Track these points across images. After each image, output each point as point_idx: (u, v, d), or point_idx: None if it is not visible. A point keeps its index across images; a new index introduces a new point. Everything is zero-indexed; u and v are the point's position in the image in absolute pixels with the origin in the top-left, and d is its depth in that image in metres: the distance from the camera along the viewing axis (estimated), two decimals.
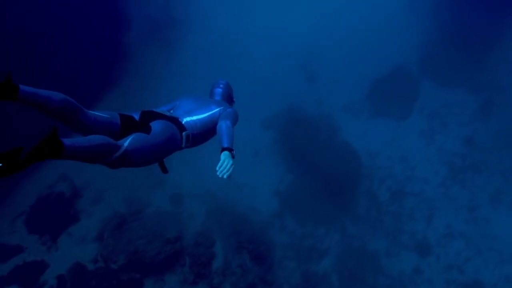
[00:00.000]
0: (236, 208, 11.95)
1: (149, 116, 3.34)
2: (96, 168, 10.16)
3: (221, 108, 3.84)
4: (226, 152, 3.20)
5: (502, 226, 11.55)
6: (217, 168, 3.07)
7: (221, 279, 10.34)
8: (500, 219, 11.68)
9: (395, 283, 10.96)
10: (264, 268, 10.62)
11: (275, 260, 11.14)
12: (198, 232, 11.27)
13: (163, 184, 12.63)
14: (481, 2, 14.59)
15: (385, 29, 15.80)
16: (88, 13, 13.90)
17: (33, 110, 2.70)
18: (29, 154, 2.15)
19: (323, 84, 15.16)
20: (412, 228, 11.80)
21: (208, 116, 3.70)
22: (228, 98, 4.42)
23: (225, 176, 3.05)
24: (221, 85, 4.44)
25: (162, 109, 3.58)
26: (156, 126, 3.20)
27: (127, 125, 3.18)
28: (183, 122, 3.49)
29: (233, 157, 3.21)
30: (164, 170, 3.70)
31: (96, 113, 3.04)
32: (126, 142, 2.87)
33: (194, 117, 3.61)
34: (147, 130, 3.13)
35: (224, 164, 3.09)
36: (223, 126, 3.50)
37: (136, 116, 3.33)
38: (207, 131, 3.68)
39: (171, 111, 3.68)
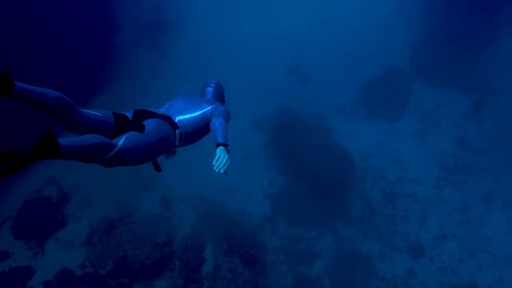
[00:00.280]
0: (227, 211, 11.77)
1: (142, 115, 3.37)
2: (85, 172, 9.99)
3: (213, 106, 3.87)
4: (221, 147, 3.26)
5: (495, 227, 11.48)
6: (214, 163, 3.11)
7: (211, 284, 10.14)
8: (493, 220, 11.62)
9: (389, 286, 10.82)
10: (255, 272, 10.43)
11: (266, 263, 10.96)
12: (188, 236, 11.06)
13: (153, 187, 12.47)
14: (472, 3, 14.58)
15: (377, 31, 15.78)
16: (78, 14, 13.74)
17: (27, 107, 2.72)
18: (25, 155, 2.17)
19: (315, 85, 15.08)
20: (405, 230, 11.68)
21: (200, 114, 3.74)
22: (220, 97, 4.47)
23: (222, 171, 3.10)
24: (212, 84, 4.50)
25: (155, 109, 3.61)
26: (150, 124, 3.25)
27: (121, 124, 3.21)
28: (175, 121, 3.53)
29: (228, 152, 3.26)
30: (158, 168, 3.71)
31: (90, 112, 3.06)
32: (121, 141, 2.90)
33: (187, 116, 3.65)
34: (141, 128, 3.17)
35: (221, 159, 3.14)
36: (217, 123, 3.55)
37: (129, 115, 3.34)
38: (199, 129, 3.73)
39: (164, 111, 3.71)
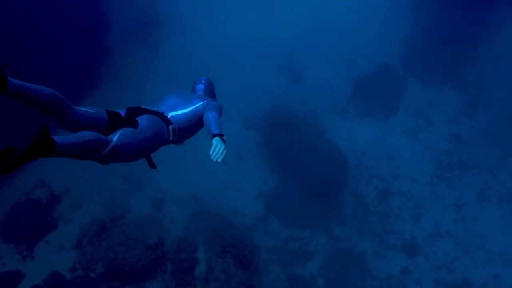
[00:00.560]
0: (220, 212, 11.62)
1: (135, 112, 3.38)
2: (76, 173, 9.79)
3: (204, 102, 3.91)
4: (217, 138, 3.28)
5: (490, 224, 11.43)
6: (210, 153, 3.14)
7: (204, 285, 9.99)
8: (488, 217, 11.58)
9: (383, 284, 10.73)
10: (249, 272, 10.29)
11: (260, 264, 10.83)
12: (180, 237, 10.91)
13: (145, 188, 12.30)
14: None
15: (369, 27, 15.65)
16: (67, 13, 13.54)
17: (22, 104, 2.71)
18: (21, 154, 2.19)
19: (307, 83, 14.93)
20: (400, 228, 11.60)
21: (192, 110, 3.78)
22: (210, 94, 4.51)
23: (219, 160, 3.12)
24: (203, 81, 4.55)
25: (147, 106, 3.62)
26: (143, 120, 3.27)
27: (114, 121, 3.22)
28: (168, 117, 3.55)
29: (224, 142, 3.28)
30: (152, 165, 3.74)
31: (83, 109, 3.07)
32: (115, 138, 2.92)
33: (179, 112, 3.68)
34: (134, 125, 3.19)
35: (217, 148, 3.16)
36: (210, 116, 3.59)
37: (122, 113, 3.34)
38: (192, 125, 3.76)
39: (156, 108, 3.71)
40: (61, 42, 13.09)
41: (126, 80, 14.70)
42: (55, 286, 10.12)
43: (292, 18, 16.82)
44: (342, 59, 15.32)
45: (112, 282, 10.12)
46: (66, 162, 10.89)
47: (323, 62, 15.30)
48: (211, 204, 11.82)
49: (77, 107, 3.02)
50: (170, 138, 3.51)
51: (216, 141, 3.25)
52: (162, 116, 3.50)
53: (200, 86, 4.50)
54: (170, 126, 3.50)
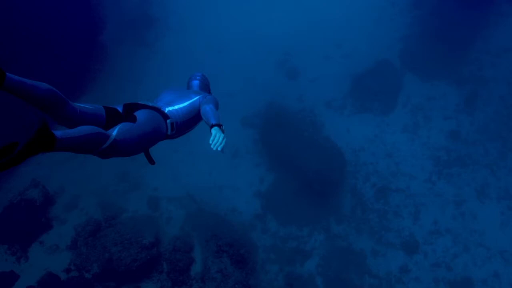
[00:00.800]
0: (216, 210, 11.50)
1: (132, 107, 3.42)
2: (71, 172, 9.64)
3: (200, 96, 3.97)
4: (216, 127, 3.31)
5: (489, 221, 11.31)
6: (210, 142, 3.17)
7: (200, 285, 9.85)
8: (487, 213, 11.44)
9: (382, 283, 10.61)
10: (246, 272, 10.15)
11: (257, 263, 10.70)
12: (176, 236, 10.76)
13: (140, 187, 12.17)
14: None
15: (367, 23, 15.52)
16: (62, 11, 13.40)
17: (19, 100, 2.71)
18: (22, 149, 2.19)
19: (304, 80, 14.78)
20: (398, 225, 11.47)
21: (189, 104, 3.83)
22: (206, 89, 4.60)
23: (219, 149, 3.15)
24: (198, 77, 4.63)
25: (144, 101, 3.66)
26: (141, 115, 3.32)
27: (112, 117, 3.24)
28: (165, 112, 3.61)
29: (223, 131, 3.32)
30: (151, 161, 3.75)
31: (81, 105, 3.09)
32: (114, 132, 2.95)
33: (176, 106, 3.73)
34: (133, 120, 3.23)
35: (216, 137, 3.19)
36: (207, 108, 3.65)
37: (120, 109, 3.37)
38: (190, 119, 3.82)
39: (153, 103, 3.75)
40: (57, 39, 12.98)
41: (123, 77, 14.58)
42: (50, 287, 9.97)
43: (289, 14, 16.69)
44: (339, 55, 15.19)
45: (108, 283, 9.98)
46: (60, 162, 10.76)
47: (320, 59, 15.16)
48: (208, 203, 11.70)
49: (75, 103, 3.03)
50: (169, 132, 3.56)
51: (215, 130, 3.27)
52: (159, 111, 3.53)
53: (195, 82, 4.57)
54: (168, 120, 3.54)
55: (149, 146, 3.54)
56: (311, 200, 11.77)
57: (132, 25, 16.70)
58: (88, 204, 11.75)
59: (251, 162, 12.75)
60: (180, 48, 16.18)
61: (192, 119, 3.86)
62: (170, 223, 11.31)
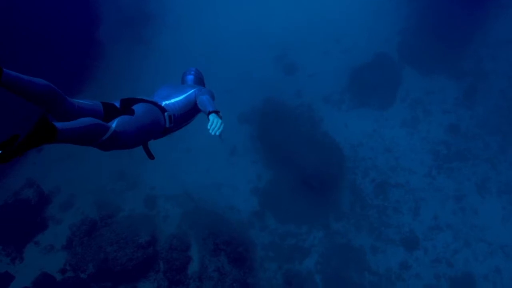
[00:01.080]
0: (214, 208, 11.35)
1: (130, 102, 3.46)
2: (67, 171, 9.48)
3: (196, 89, 4.02)
4: (213, 114, 3.37)
5: (490, 215, 11.16)
6: (208, 127, 3.23)
7: (197, 284, 9.71)
8: (488, 208, 11.29)
9: (382, 280, 10.47)
10: (244, 270, 10.02)
11: (255, 261, 10.57)
12: (173, 235, 10.63)
13: (137, 186, 12.05)
14: None
15: (364, 17, 15.33)
16: (58, 9, 13.27)
17: (17, 96, 2.70)
18: (23, 140, 2.21)
19: (301, 75, 14.61)
20: (398, 221, 11.32)
21: (185, 97, 3.89)
22: (200, 83, 4.69)
23: (217, 133, 3.23)
24: (192, 72, 4.72)
25: (141, 96, 3.69)
26: (139, 108, 3.36)
27: (110, 112, 3.27)
28: (162, 105, 3.66)
29: (220, 118, 3.37)
30: (150, 156, 3.80)
31: (79, 101, 3.11)
32: (114, 124, 2.99)
33: (172, 100, 3.78)
34: (131, 113, 3.28)
35: (214, 123, 3.26)
36: (204, 98, 3.72)
37: (117, 104, 3.41)
38: (187, 112, 3.87)
39: (150, 98, 3.79)
40: (54, 37, 12.91)
41: (120, 74, 14.45)
42: (45, 287, 9.85)
43: (286, 9, 16.50)
44: (336, 49, 15.01)
45: (103, 283, 9.86)
46: (57, 161, 10.58)
47: (317, 53, 14.98)
48: (205, 200, 11.56)
49: (73, 99, 3.05)
50: (167, 125, 3.58)
51: (213, 116, 3.33)
52: (156, 105, 3.57)
53: (190, 77, 4.65)
54: (166, 113, 3.58)
55: (148, 139, 3.58)
56: (310, 196, 11.62)
57: (129, 23, 16.56)
58: (84, 203, 11.63)
59: (249, 159, 12.60)
60: (177, 45, 16.03)
61: (189, 111, 3.91)
62: (167, 221, 11.18)
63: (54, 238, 11.00)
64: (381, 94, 13.49)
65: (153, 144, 3.86)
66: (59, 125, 2.45)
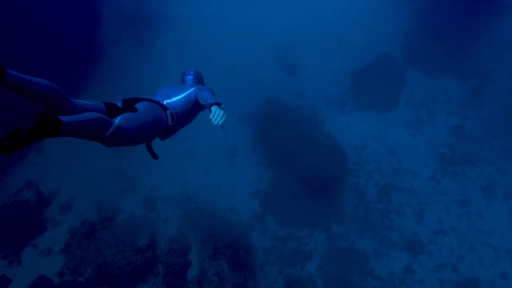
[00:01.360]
0: (214, 211, 11.19)
1: (131, 101, 3.50)
2: (67, 173, 9.33)
3: (195, 87, 4.07)
4: (215, 105, 3.40)
5: (497, 219, 10.95)
6: (211, 117, 3.26)
7: None
8: (494, 212, 11.08)
9: (385, 285, 10.28)
10: (244, 274, 9.85)
11: (256, 265, 10.39)
12: (172, 238, 10.47)
13: (137, 187, 11.92)
14: None
15: (367, 17, 15.13)
16: (59, 10, 13.17)
17: (19, 97, 2.70)
18: (28, 132, 2.22)
19: (304, 76, 14.41)
20: (402, 225, 11.12)
21: (186, 95, 3.94)
22: (200, 82, 4.75)
23: (220, 123, 3.24)
24: (191, 72, 4.79)
25: (142, 96, 3.73)
26: (141, 106, 3.42)
27: (113, 112, 3.29)
28: (164, 104, 3.71)
29: (222, 109, 3.38)
30: (154, 156, 3.86)
31: (82, 101, 3.13)
32: (117, 120, 3.05)
33: (173, 99, 3.84)
34: (134, 111, 3.33)
35: (216, 113, 3.28)
36: (204, 93, 3.76)
37: (119, 104, 3.44)
38: (188, 110, 3.92)
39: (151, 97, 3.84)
40: (55, 38, 12.80)
41: (121, 75, 14.34)
42: None
43: (288, 9, 16.32)
44: (339, 50, 14.82)
45: (101, 287, 9.70)
46: (57, 162, 10.43)
47: (320, 54, 14.79)
48: (205, 202, 11.42)
49: (75, 100, 3.07)
50: (169, 122, 3.64)
51: (214, 108, 3.35)
52: (158, 103, 3.63)
53: (189, 77, 4.71)
54: (168, 111, 3.64)
55: (151, 136, 3.62)
56: (312, 199, 11.45)
57: (131, 23, 16.45)
58: (84, 205, 11.51)
59: (250, 161, 12.43)
60: (178, 46, 15.89)
61: (191, 109, 3.97)
62: (166, 224, 11.03)
63: (52, 241, 10.88)
64: (384, 96, 13.29)
65: (153, 144, 3.90)
66: (63, 118, 2.47)
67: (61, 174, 12.23)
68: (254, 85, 13.76)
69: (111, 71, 14.79)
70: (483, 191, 11.36)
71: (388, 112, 13.08)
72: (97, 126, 2.76)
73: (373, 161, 12.30)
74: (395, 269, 10.46)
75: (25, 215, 11.08)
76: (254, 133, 12.82)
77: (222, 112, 3.32)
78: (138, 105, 3.44)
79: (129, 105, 3.45)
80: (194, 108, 4.00)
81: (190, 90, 4.02)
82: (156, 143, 3.97)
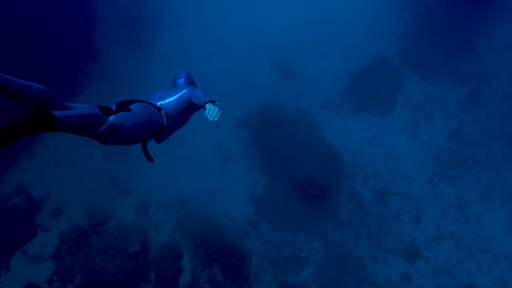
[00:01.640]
0: (208, 216, 11.00)
1: (125, 104, 3.48)
2: (58, 177, 9.12)
3: (188, 89, 4.11)
4: (210, 103, 3.44)
5: (494, 224, 10.77)
6: (206, 114, 3.31)
7: None
8: (492, 216, 10.89)
9: None
10: (238, 281, 9.66)
11: (250, 272, 10.20)
12: (164, 244, 10.27)
13: (130, 192, 11.74)
14: None
15: (364, 20, 15.01)
16: (56, 12, 13.07)
17: (12, 100, 2.67)
18: (20, 125, 2.21)
19: (300, 80, 14.27)
20: (399, 230, 10.94)
21: (179, 97, 3.97)
22: (192, 84, 4.72)
23: (215, 119, 3.26)
24: (183, 75, 4.79)
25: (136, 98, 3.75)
26: (136, 106, 3.44)
27: (107, 114, 3.22)
28: (158, 105, 3.76)
29: (217, 106, 3.42)
30: (149, 158, 3.87)
31: (76, 105, 3.11)
32: (111, 117, 3.05)
33: (167, 100, 3.89)
34: (128, 111, 3.33)
35: (212, 110, 3.32)
36: (197, 93, 3.85)
37: (113, 107, 3.42)
38: (182, 111, 3.95)
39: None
40: (51, 40, 12.71)
41: (117, 78, 14.23)
42: None
43: (285, 12, 16.22)
44: (335, 54, 14.68)
45: None
46: (48, 166, 10.22)
47: (316, 57, 14.65)
48: (199, 208, 11.25)
49: (70, 103, 3.06)
50: (165, 122, 3.68)
51: (209, 105, 3.39)
52: (152, 104, 3.66)
53: (181, 80, 4.70)
54: (162, 112, 3.68)
55: (147, 136, 3.62)
56: (307, 204, 11.29)
57: (127, 25, 16.35)
58: (75, 210, 11.34)
59: (244, 165, 12.26)
60: (175, 49, 15.78)
61: (185, 110, 3.98)
62: (158, 229, 10.84)
63: (42, 247, 10.68)
64: (381, 99, 13.14)
65: (148, 147, 3.90)
66: (56, 112, 2.46)
67: (52, 179, 12.06)
68: (250, 88, 13.63)
69: (108, 72, 14.67)
70: (481, 195, 11.19)
71: (385, 115, 12.92)
72: (91, 121, 2.76)
73: (369, 165, 12.13)
74: (392, 275, 10.27)
75: (15, 221, 10.88)
76: (249, 137, 12.66)
77: (217, 108, 3.35)
78: (132, 106, 3.45)
79: (123, 106, 3.45)
80: (187, 110, 4.02)
81: (183, 91, 4.05)
82: (150, 148, 3.94)
